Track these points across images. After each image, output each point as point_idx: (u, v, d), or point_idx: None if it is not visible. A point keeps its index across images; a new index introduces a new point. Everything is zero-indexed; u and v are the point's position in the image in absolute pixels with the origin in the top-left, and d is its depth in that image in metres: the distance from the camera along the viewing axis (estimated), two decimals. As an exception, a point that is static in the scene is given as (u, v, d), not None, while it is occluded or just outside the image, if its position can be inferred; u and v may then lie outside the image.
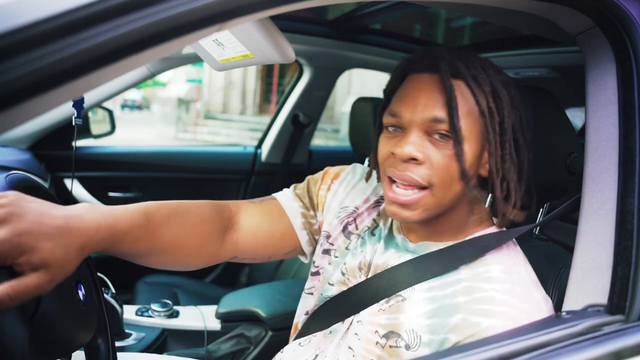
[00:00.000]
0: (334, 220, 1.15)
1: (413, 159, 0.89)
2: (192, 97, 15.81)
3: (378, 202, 1.14)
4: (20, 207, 0.72)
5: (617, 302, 0.83)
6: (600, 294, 0.86)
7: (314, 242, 1.19)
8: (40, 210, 0.74)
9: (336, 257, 1.12)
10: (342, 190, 1.17)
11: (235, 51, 0.95)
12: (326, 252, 1.15)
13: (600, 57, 0.93)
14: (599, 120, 0.92)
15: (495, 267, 0.92)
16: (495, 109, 0.90)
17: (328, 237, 1.15)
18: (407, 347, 0.90)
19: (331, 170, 1.22)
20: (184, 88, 15.75)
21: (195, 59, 2.39)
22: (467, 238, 0.97)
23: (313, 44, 2.45)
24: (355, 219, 1.13)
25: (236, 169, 2.86)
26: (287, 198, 1.18)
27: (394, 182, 0.93)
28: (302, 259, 1.24)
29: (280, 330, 1.93)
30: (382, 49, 2.51)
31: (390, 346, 0.92)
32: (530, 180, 0.96)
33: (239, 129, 15.42)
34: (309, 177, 1.22)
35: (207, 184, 2.81)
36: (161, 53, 0.59)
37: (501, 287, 0.88)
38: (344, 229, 1.13)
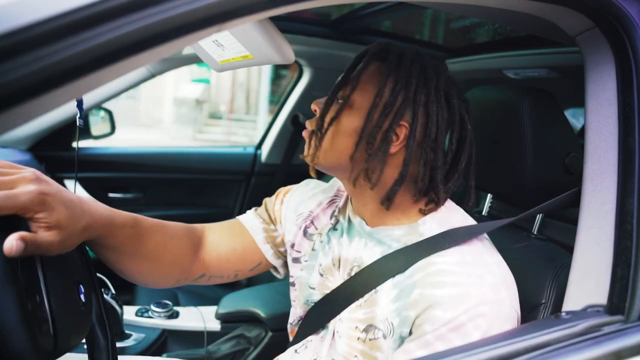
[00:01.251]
0: (294, 228, 1.19)
1: (315, 111, 1.04)
2: (205, 98, 15.80)
3: (332, 201, 1.19)
4: (45, 177, 0.83)
5: (617, 303, 0.83)
6: (599, 294, 0.86)
7: (280, 255, 1.23)
8: (60, 186, 0.85)
9: (306, 261, 1.16)
10: (294, 199, 1.23)
11: (234, 52, 0.95)
12: (296, 260, 1.18)
13: (599, 57, 0.94)
14: (598, 121, 0.92)
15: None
16: (390, 91, 0.96)
17: (293, 245, 1.19)
18: (384, 336, 0.93)
19: (283, 188, 1.30)
20: (197, 88, 15.74)
21: (195, 60, 2.39)
22: (420, 220, 1.00)
23: (313, 45, 2.45)
24: (312, 221, 1.18)
25: (236, 170, 2.86)
26: (247, 217, 1.26)
27: None
28: (276, 274, 1.28)
29: (280, 331, 1.93)
30: None
31: (370, 339, 0.96)
32: (435, 180, 0.98)
33: (254, 129, 15.53)
34: (265, 199, 1.31)
35: (207, 185, 2.81)
36: (161, 54, 0.59)
37: (452, 259, 0.91)
38: (305, 232, 1.17)
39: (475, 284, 0.87)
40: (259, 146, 2.93)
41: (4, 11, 0.49)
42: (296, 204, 1.22)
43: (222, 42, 0.94)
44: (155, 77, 2.35)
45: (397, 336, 0.92)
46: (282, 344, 1.22)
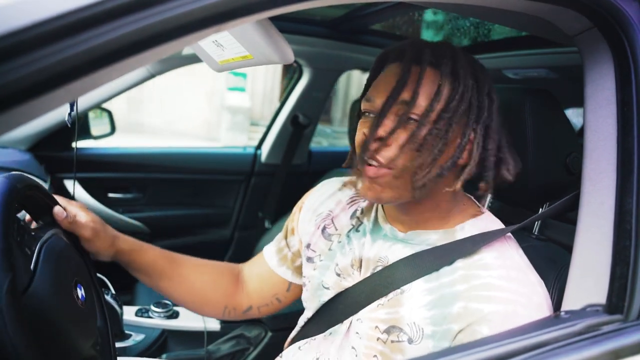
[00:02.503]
0: (311, 228, 1.18)
1: (380, 139, 0.91)
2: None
3: (353, 200, 1.16)
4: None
5: (616, 302, 0.83)
6: (598, 293, 0.86)
7: (301, 271, 1.23)
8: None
9: (321, 260, 1.13)
10: (313, 201, 1.23)
11: (234, 52, 0.95)
12: (309, 259, 1.16)
13: (598, 57, 0.94)
14: (597, 121, 0.92)
15: (489, 254, 0.93)
16: (451, 95, 0.91)
17: (308, 245, 1.17)
18: (410, 341, 0.91)
19: (304, 195, 1.30)
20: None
21: (195, 60, 2.38)
22: (456, 226, 0.98)
23: (312, 45, 2.45)
24: (332, 220, 1.15)
25: (236, 170, 2.86)
26: (269, 245, 1.33)
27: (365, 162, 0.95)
28: None
29: (279, 331, 1.93)
30: (382, 49, 2.51)
31: (392, 341, 0.93)
32: (487, 165, 0.95)
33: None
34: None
35: (207, 185, 2.81)
36: (161, 54, 0.59)
37: (497, 274, 0.90)
38: (323, 231, 1.15)
39: (523, 303, 0.86)
40: (258, 146, 2.93)
41: (3, 12, 0.49)
42: (315, 205, 1.21)
43: (221, 43, 0.94)
44: (155, 77, 2.34)
45: (429, 345, 0.89)
46: (282, 344, 1.22)
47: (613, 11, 0.88)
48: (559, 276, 1.04)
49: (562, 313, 0.85)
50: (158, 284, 1.22)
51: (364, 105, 0.98)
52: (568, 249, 1.11)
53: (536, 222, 1.26)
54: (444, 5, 0.98)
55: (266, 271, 1.28)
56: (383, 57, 1.02)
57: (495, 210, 1.41)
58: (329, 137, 13.62)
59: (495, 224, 1.01)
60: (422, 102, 0.90)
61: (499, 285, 0.88)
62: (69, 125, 1.12)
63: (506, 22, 1.09)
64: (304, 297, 1.18)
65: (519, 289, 0.88)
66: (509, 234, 0.99)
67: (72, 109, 1.09)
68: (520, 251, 0.98)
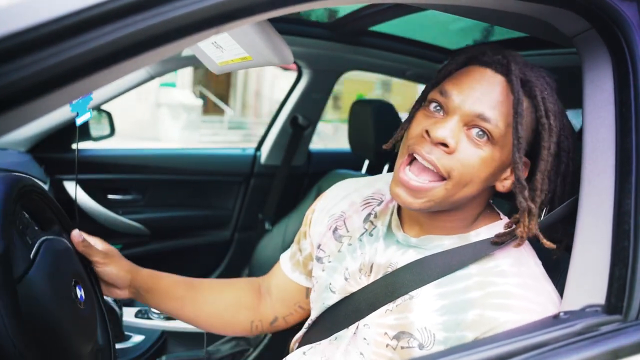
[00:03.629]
0: (323, 229, 1.16)
1: (444, 145, 0.86)
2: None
3: (367, 202, 1.13)
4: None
5: (615, 302, 0.83)
6: (597, 294, 0.86)
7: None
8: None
9: (329, 262, 1.10)
10: (327, 202, 1.21)
11: (233, 54, 0.95)
12: (319, 259, 1.14)
13: (596, 58, 0.94)
14: (595, 122, 0.92)
15: (505, 261, 0.92)
16: (556, 128, 0.89)
17: (319, 245, 1.15)
18: (421, 347, 0.89)
19: (321, 195, 1.27)
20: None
21: (194, 62, 2.39)
22: (472, 232, 0.97)
23: (312, 47, 2.45)
24: (344, 222, 1.13)
25: (235, 171, 2.85)
26: (284, 253, 1.32)
27: (411, 163, 0.91)
28: None
29: (279, 333, 1.92)
30: (381, 51, 2.51)
31: (402, 347, 0.91)
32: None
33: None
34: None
35: (206, 186, 2.81)
36: (160, 55, 0.59)
37: (514, 281, 0.88)
38: (334, 232, 1.13)
39: (539, 312, 0.86)
40: (258, 148, 2.93)
41: (5, 13, 0.49)
42: (328, 206, 1.19)
43: (221, 44, 0.95)
44: (154, 78, 2.35)
45: (438, 350, 0.88)
46: (282, 346, 1.22)
47: (611, 12, 0.88)
48: (559, 278, 1.04)
49: (562, 313, 0.85)
50: (181, 311, 1.22)
51: (435, 96, 0.91)
52: (568, 249, 1.11)
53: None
54: (443, 7, 0.98)
55: (282, 279, 1.27)
56: (470, 54, 0.96)
57: (504, 213, 1.41)
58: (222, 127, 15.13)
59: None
60: (502, 123, 0.87)
61: (516, 293, 0.87)
62: (77, 125, 1.12)
63: (505, 24, 1.09)
64: (311, 297, 1.16)
65: (535, 298, 0.87)
66: (526, 241, 0.95)
67: (83, 109, 1.09)
68: (537, 259, 0.96)
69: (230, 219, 2.88)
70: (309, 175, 2.95)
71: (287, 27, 2.29)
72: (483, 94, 0.88)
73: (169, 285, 1.20)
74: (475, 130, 0.87)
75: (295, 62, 2.61)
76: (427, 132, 0.87)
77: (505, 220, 1.00)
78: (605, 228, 0.87)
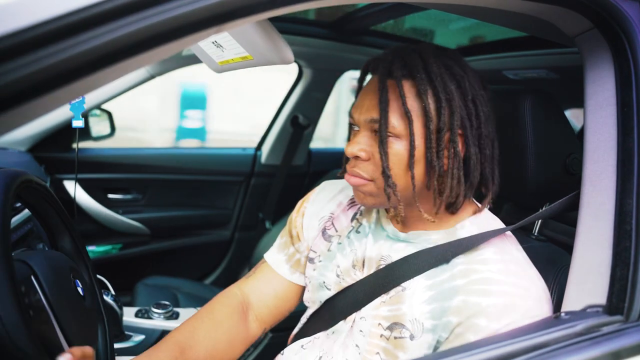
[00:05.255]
0: (314, 232, 1.18)
1: (358, 157, 0.95)
2: None
3: (352, 202, 1.17)
4: None
5: (616, 303, 0.83)
6: (599, 294, 0.86)
7: None
8: None
9: (320, 261, 1.13)
10: (315, 207, 1.21)
11: (234, 53, 0.95)
12: (310, 260, 1.17)
13: (598, 58, 0.94)
14: (597, 121, 0.92)
15: (488, 250, 0.95)
16: (435, 107, 0.90)
17: (311, 247, 1.18)
18: (412, 337, 0.92)
19: (303, 198, 1.28)
20: None
21: (195, 61, 2.39)
22: (457, 225, 0.99)
23: (312, 46, 2.45)
24: (332, 223, 1.16)
25: (236, 171, 2.85)
26: (272, 253, 1.26)
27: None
28: None
29: (279, 332, 1.92)
30: (381, 50, 2.51)
31: (395, 337, 0.94)
32: (488, 172, 0.97)
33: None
34: (290, 215, 1.28)
35: (206, 186, 2.81)
36: (160, 55, 0.59)
37: (496, 268, 0.91)
38: (323, 233, 1.16)
39: (521, 295, 0.88)
40: (258, 147, 2.93)
41: (3, 13, 0.49)
42: (318, 210, 1.20)
43: (221, 43, 0.94)
44: (154, 77, 2.34)
45: (429, 338, 0.91)
46: (282, 345, 1.22)
47: (613, 12, 0.88)
48: (558, 276, 1.04)
49: (563, 314, 0.85)
50: None
51: (350, 118, 1.00)
52: (568, 249, 1.10)
53: (536, 223, 1.26)
54: (444, 6, 0.98)
55: (280, 284, 1.22)
56: (365, 68, 1.02)
57: (504, 212, 1.41)
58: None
59: (494, 221, 1.03)
60: (395, 119, 0.91)
61: (498, 279, 0.89)
62: (80, 127, 1.11)
63: (506, 23, 1.09)
64: (305, 297, 1.18)
65: (517, 282, 0.89)
66: (508, 232, 1.01)
67: (79, 110, 1.09)
68: (519, 247, 1.00)
69: (231, 218, 2.89)
70: (310, 175, 2.95)
71: (287, 27, 2.29)
72: (370, 101, 0.94)
73: None
74: (381, 136, 0.92)
75: (295, 62, 2.60)
76: (345, 149, 0.98)
77: (486, 211, 1.03)
78: (606, 228, 0.87)
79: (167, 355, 1.02)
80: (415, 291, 0.95)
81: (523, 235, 1.24)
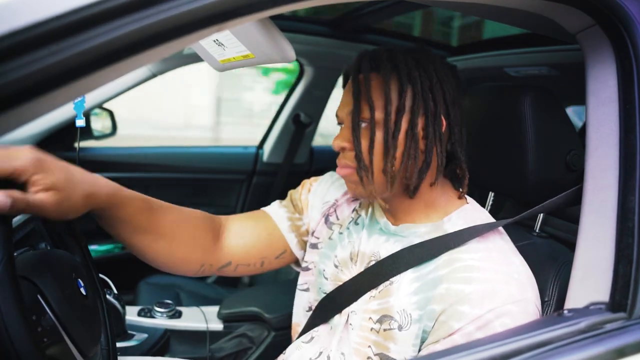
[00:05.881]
0: (318, 216, 1.21)
1: (343, 148, 1.01)
2: None
3: None
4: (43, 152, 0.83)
5: (619, 300, 0.83)
6: (602, 291, 0.86)
7: (304, 245, 1.24)
8: (59, 159, 0.86)
9: (322, 248, 1.17)
10: (321, 188, 1.24)
11: (235, 51, 0.95)
12: (314, 246, 1.20)
13: (600, 55, 0.93)
14: (599, 119, 0.92)
15: (472, 239, 0.97)
16: (397, 90, 0.96)
17: (313, 232, 1.21)
18: (400, 328, 0.94)
19: (309, 179, 1.30)
20: None
21: (196, 59, 2.38)
22: (444, 218, 1.02)
23: (314, 44, 2.44)
24: (335, 210, 1.20)
25: (238, 169, 2.86)
26: (272, 207, 1.26)
27: None
28: (297, 269, 1.28)
29: (283, 330, 1.93)
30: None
31: (385, 329, 0.97)
32: (456, 155, 1.01)
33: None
34: (290, 191, 1.30)
35: (209, 184, 2.81)
36: (162, 54, 0.59)
37: (478, 256, 0.93)
38: (326, 220, 1.19)
39: (503, 281, 0.89)
40: (260, 145, 2.93)
41: (4, 12, 0.49)
42: (323, 192, 1.24)
43: (222, 42, 0.94)
44: (156, 76, 2.34)
45: (415, 328, 0.93)
46: (285, 344, 1.22)
47: (615, 8, 0.88)
48: (559, 273, 1.04)
49: (565, 311, 0.84)
50: (130, 240, 1.03)
51: (336, 119, 1.07)
52: (569, 246, 1.10)
53: (537, 219, 1.26)
54: (444, 4, 0.98)
55: (269, 231, 1.21)
56: (344, 72, 1.10)
57: (506, 210, 1.41)
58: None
59: (481, 213, 1.05)
60: (367, 108, 0.97)
61: (479, 266, 0.91)
62: (82, 126, 1.11)
63: (508, 20, 1.08)
64: (308, 280, 1.21)
65: (498, 268, 0.91)
66: (492, 218, 1.04)
67: (80, 110, 1.09)
68: (505, 237, 1.02)
69: (233, 217, 2.88)
70: (312, 173, 2.93)
71: (289, 24, 2.29)
72: (348, 96, 1.01)
73: (128, 216, 0.99)
74: (362, 124, 0.99)
75: (297, 60, 2.60)
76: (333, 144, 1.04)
77: (472, 203, 1.06)
78: (609, 225, 0.87)
79: (137, 209, 1.00)
80: (402, 284, 0.97)
81: (524, 232, 1.24)
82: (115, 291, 1.69)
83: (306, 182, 1.29)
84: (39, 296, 0.83)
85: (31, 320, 0.77)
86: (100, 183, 0.93)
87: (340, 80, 2.76)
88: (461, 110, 1.01)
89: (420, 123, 0.96)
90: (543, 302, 1.02)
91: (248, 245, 1.18)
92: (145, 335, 1.84)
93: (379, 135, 0.96)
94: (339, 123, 1.06)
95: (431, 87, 0.96)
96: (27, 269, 0.85)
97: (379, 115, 0.96)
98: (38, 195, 0.79)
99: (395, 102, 0.95)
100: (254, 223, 1.21)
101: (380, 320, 0.97)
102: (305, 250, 1.24)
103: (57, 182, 0.81)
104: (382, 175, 0.98)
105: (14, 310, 0.69)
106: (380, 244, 1.06)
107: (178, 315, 1.99)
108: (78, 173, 0.89)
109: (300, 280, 1.23)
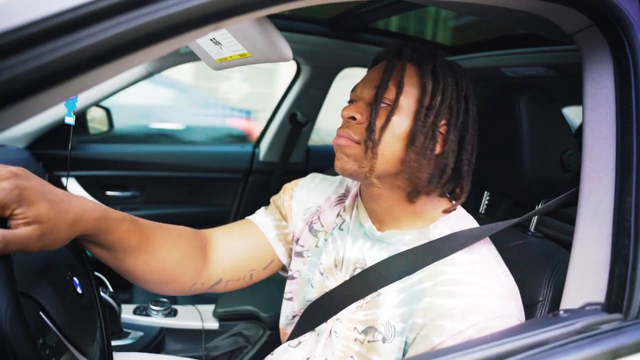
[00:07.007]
0: (301, 223, 1.19)
1: (352, 118, 0.98)
2: None
3: (340, 199, 1.18)
4: (27, 173, 0.78)
5: (615, 301, 0.83)
6: (597, 292, 0.86)
7: (291, 254, 1.22)
8: (43, 182, 0.81)
9: (309, 257, 1.15)
10: (303, 193, 1.22)
11: (232, 50, 0.95)
12: (298, 254, 1.17)
13: (597, 55, 0.94)
14: (596, 119, 0.92)
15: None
16: (431, 88, 0.96)
17: (297, 240, 1.19)
18: (384, 340, 0.94)
19: (289, 183, 1.28)
20: None
21: (193, 58, 2.38)
22: (430, 225, 1.01)
23: (311, 43, 2.44)
24: (319, 217, 1.17)
25: (234, 168, 2.85)
26: (257, 216, 1.24)
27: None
28: (284, 274, 1.26)
29: (278, 329, 1.93)
30: (380, 47, 2.50)
31: (369, 341, 0.96)
32: (462, 174, 0.99)
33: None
34: (272, 197, 1.28)
35: (205, 183, 2.81)
36: (158, 52, 0.59)
37: (463, 269, 0.93)
38: (310, 228, 1.17)
39: (484, 295, 0.88)
40: (257, 144, 2.93)
41: (2, 9, 0.49)
42: (305, 197, 1.21)
43: (219, 40, 0.94)
44: (152, 75, 2.34)
45: (398, 341, 0.92)
46: (280, 342, 1.22)
47: (613, 9, 0.88)
48: (554, 273, 1.05)
49: (561, 312, 0.85)
50: (120, 263, 0.99)
51: (351, 94, 1.05)
52: (564, 246, 1.11)
53: (532, 219, 1.26)
54: (442, 3, 0.98)
55: (256, 243, 1.18)
56: (375, 56, 1.11)
57: (502, 210, 1.41)
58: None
59: (467, 220, 1.04)
60: (394, 91, 0.96)
61: (463, 279, 0.91)
62: (71, 124, 1.10)
63: (505, 20, 1.08)
64: (290, 289, 1.19)
65: (480, 281, 0.90)
66: (478, 225, 1.02)
67: (71, 108, 1.08)
68: (490, 245, 1.01)
69: (229, 215, 2.88)
70: (308, 172, 2.93)
71: (286, 24, 2.29)
72: (376, 76, 1.00)
73: (117, 239, 0.94)
74: (382, 104, 0.97)
75: (294, 59, 2.60)
76: (342, 115, 1.01)
77: (460, 210, 1.05)
78: (605, 226, 0.87)
79: (126, 232, 0.95)
80: (389, 295, 0.96)
81: (519, 232, 1.24)
82: (111, 289, 1.69)
83: (287, 187, 1.26)
84: (41, 313, 0.80)
85: (38, 345, 0.75)
86: (87, 208, 0.87)
87: (337, 80, 2.77)
88: (476, 135, 1.01)
89: (442, 126, 0.97)
90: (537, 302, 1.02)
91: (237, 260, 1.16)
92: (141, 334, 1.84)
93: (396, 119, 0.95)
94: (352, 100, 1.04)
95: (459, 98, 0.97)
96: (25, 282, 0.82)
97: (403, 100, 0.96)
98: (20, 230, 0.74)
99: (429, 97, 0.96)
100: (240, 235, 1.18)
101: (365, 332, 0.97)
102: (291, 258, 1.22)
103: (40, 215, 0.76)
104: (384, 157, 0.96)
105: (26, 349, 0.69)
106: (365, 250, 1.04)
107: (174, 313, 1.99)
108: (63, 200, 0.82)
109: (286, 288, 1.21)
